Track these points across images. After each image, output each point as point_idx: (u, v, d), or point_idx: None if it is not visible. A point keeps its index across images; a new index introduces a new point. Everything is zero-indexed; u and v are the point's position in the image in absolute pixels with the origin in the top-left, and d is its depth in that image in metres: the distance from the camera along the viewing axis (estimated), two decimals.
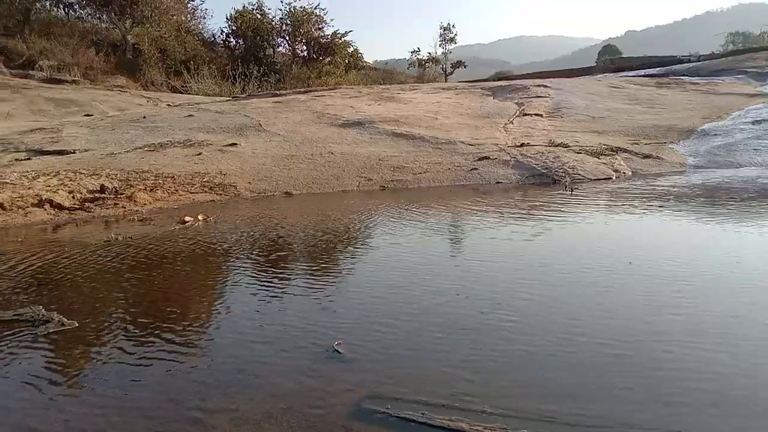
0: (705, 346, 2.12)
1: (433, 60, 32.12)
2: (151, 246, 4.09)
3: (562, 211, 4.72)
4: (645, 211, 4.59)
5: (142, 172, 6.70)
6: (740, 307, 2.48)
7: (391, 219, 4.82)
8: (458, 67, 32.11)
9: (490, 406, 1.75)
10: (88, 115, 12.11)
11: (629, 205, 4.84)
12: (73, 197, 5.70)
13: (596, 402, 1.77)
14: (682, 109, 10.00)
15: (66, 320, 2.59)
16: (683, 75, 13.93)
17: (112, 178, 6.30)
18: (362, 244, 4.12)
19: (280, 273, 3.38)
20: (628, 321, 2.38)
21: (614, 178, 6.35)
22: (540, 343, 2.19)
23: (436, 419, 1.69)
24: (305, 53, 26.58)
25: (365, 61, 29.58)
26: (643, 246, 3.65)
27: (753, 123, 8.45)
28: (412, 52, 32.85)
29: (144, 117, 10.25)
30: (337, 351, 2.18)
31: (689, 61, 16.08)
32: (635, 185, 5.83)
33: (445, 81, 27.08)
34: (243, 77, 21.23)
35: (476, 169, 6.77)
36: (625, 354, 2.07)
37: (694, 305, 2.52)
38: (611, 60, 21.27)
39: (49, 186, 5.88)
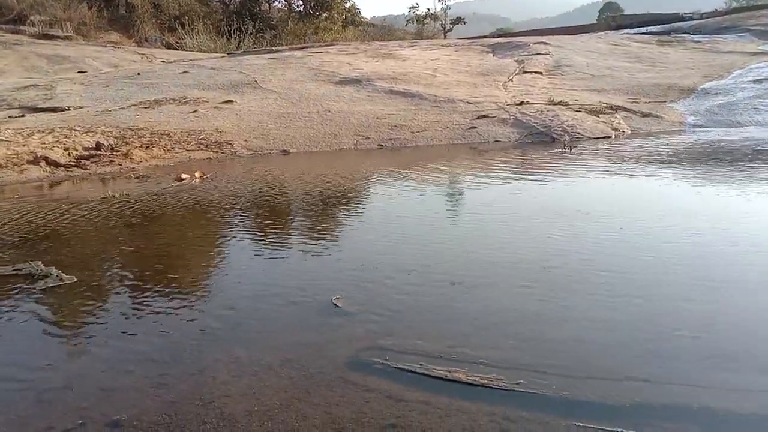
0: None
1: (432, 16, 31.54)
2: (148, 203, 4.08)
3: (559, 171, 4.71)
4: (637, 171, 4.57)
5: (138, 129, 6.64)
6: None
7: (389, 178, 4.80)
8: (457, 24, 31.53)
9: (488, 358, 1.77)
10: (81, 72, 11.94)
11: (623, 164, 4.82)
12: (69, 154, 5.66)
13: (592, 356, 1.79)
14: (684, 67, 9.89)
15: (65, 275, 2.60)
16: (685, 33, 13.72)
17: (107, 136, 6.24)
18: (360, 203, 4.12)
19: (278, 229, 3.38)
20: (617, 279, 2.40)
21: (613, 136, 6.32)
22: (535, 299, 2.21)
23: (434, 370, 1.71)
24: (301, 8, 26.09)
25: (363, 17, 29.07)
26: (625, 208, 3.66)
27: (754, 82, 8.37)
28: (410, 8, 32.22)
29: (138, 74, 10.11)
30: (336, 305, 2.20)
31: (691, 19, 15.81)
32: (633, 144, 5.81)
33: (444, 38, 26.64)
34: (238, 33, 20.86)
35: (475, 127, 6.73)
36: (610, 308, 2.09)
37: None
38: (612, 17, 20.92)
39: (44, 143, 5.84)
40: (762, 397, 1.55)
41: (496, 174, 4.62)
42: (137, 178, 5.02)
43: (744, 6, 22.90)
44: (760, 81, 8.37)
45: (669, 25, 15.19)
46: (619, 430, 1.42)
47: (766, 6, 17.25)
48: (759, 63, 9.61)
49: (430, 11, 31.52)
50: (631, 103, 7.69)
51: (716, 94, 8.00)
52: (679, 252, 2.65)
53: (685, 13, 16.97)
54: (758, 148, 5.16)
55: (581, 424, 1.45)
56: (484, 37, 17.80)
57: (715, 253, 2.64)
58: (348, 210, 3.85)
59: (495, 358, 1.77)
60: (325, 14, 25.55)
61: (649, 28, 15.12)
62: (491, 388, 1.62)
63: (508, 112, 7.12)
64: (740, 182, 4.00)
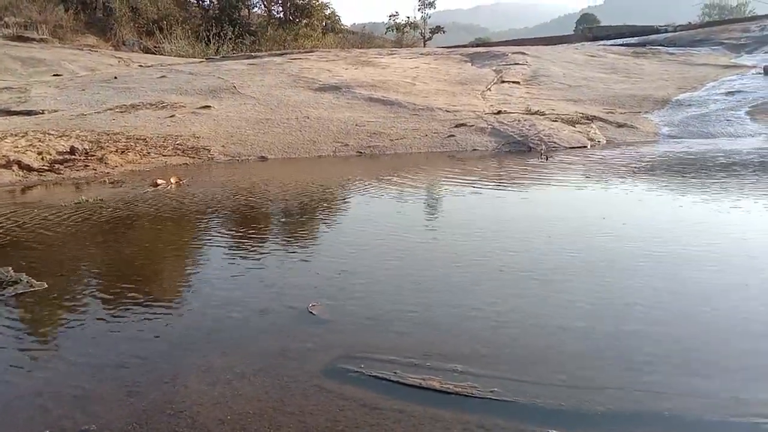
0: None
1: (412, 25, 31.70)
2: (122, 208, 4.03)
3: (534, 180, 4.75)
4: (612, 180, 4.63)
5: (114, 133, 6.57)
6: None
7: (367, 186, 4.80)
8: (437, 33, 31.71)
9: (462, 366, 1.77)
10: (57, 75, 11.78)
11: (597, 174, 4.88)
12: (43, 158, 5.58)
13: (564, 363, 1.80)
14: (658, 79, 10.05)
15: (35, 281, 2.55)
16: (660, 45, 13.96)
17: (82, 140, 6.16)
18: (337, 210, 4.11)
19: (255, 236, 3.36)
20: (595, 287, 2.42)
21: (589, 146, 6.40)
22: (510, 306, 2.22)
23: (409, 378, 1.71)
24: (281, 15, 26.05)
25: (343, 24, 29.11)
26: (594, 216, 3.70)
27: (726, 94, 8.54)
28: (390, 16, 32.34)
29: (115, 77, 10.01)
30: (312, 313, 2.19)
31: (666, 32, 16.09)
32: (608, 154, 5.88)
33: (424, 46, 26.79)
34: (217, 38, 20.77)
35: (453, 136, 6.76)
36: (586, 321, 2.11)
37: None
38: (589, 29, 21.21)
39: (17, 147, 5.74)
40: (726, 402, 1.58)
41: (473, 183, 4.65)
42: (112, 183, 4.96)
43: (717, 20, 23.39)
44: (732, 93, 8.54)
45: (644, 37, 15.45)
46: None
47: (738, 20, 17.65)
48: (731, 76, 9.81)
49: (410, 20, 31.66)
50: (607, 113, 7.79)
51: (690, 105, 8.14)
52: (654, 262, 2.68)
53: (660, 26, 17.27)
54: (728, 160, 5.26)
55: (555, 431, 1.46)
56: (463, 46, 17.93)
57: (675, 257, 2.68)
58: (325, 218, 3.84)
59: (470, 366, 1.77)
60: (305, 21, 25.54)
61: (624, 39, 15.35)
62: (465, 395, 1.62)
63: (486, 121, 7.17)
64: (713, 192, 4.07)
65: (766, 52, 11.75)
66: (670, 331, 2.00)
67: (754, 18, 16.72)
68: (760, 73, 9.56)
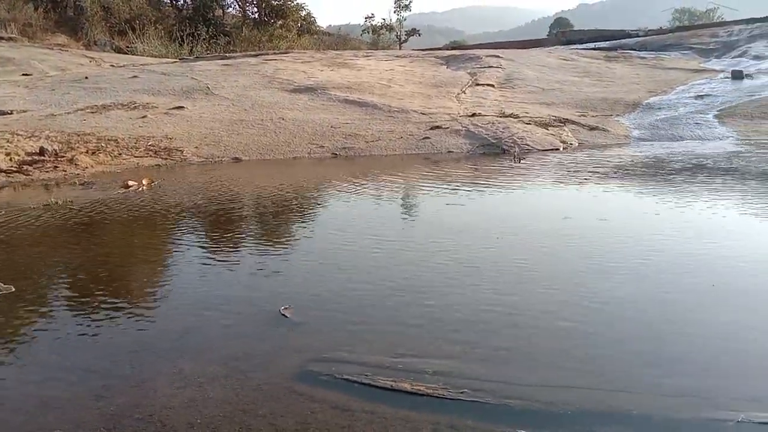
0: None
1: (388, 27, 31.75)
2: (92, 210, 3.97)
3: (505, 182, 4.80)
4: (581, 183, 4.69)
5: (84, 134, 6.47)
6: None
7: (342, 188, 4.80)
8: (413, 35, 31.81)
9: (433, 368, 1.78)
10: (26, 75, 11.55)
11: (568, 176, 4.94)
12: (11, 159, 5.47)
13: (536, 363, 1.82)
14: (630, 82, 10.20)
15: (2, 285, 2.50)
16: (632, 49, 14.16)
17: (52, 141, 6.06)
18: (311, 213, 4.11)
19: (227, 238, 3.34)
20: (558, 289, 2.46)
21: (561, 149, 6.47)
22: (482, 307, 2.24)
23: (380, 380, 1.71)
24: (256, 15, 25.88)
25: (318, 26, 29.02)
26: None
27: (695, 98, 8.70)
28: (366, 18, 32.36)
29: (86, 77, 9.86)
30: (284, 315, 2.18)
31: (638, 36, 16.34)
32: (579, 156, 5.96)
33: (400, 48, 26.84)
34: (191, 39, 20.55)
35: (428, 138, 6.79)
36: (558, 321, 2.14)
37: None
38: (563, 33, 21.45)
39: None
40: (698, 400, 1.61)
41: (447, 185, 4.67)
42: (82, 184, 4.88)
43: (687, 25, 23.82)
44: (701, 97, 8.70)
45: (616, 41, 15.65)
46: None
47: (707, 25, 18.00)
48: (700, 80, 9.99)
49: (386, 22, 31.70)
50: (579, 116, 7.88)
51: (660, 108, 8.28)
52: (624, 263, 2.73)
53: (632, 30, 17.52)
54: (696, 162, 5.36)
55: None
56: (439, 49, 18.01)
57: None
58: (299, 220, 3.83)
59: (441, 367, 1.78)
60: (280, 22, 25.38)
61: (597, 43, 15.54)
62: (436, 397, 1.63)
63: (460, 123, 7.21)
64: (680, 192, 4.15)
65: (733, 57, 11.99)
66: (641, 331, 2.03)
67: (723, 24, 17.06)
68: (727, 78, 9.76)
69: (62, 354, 1.94)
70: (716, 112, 7.82)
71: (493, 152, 6.32)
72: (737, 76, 9.61)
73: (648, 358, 1.84)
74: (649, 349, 1.90)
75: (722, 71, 10.46)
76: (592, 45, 15.39)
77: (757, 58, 11.45)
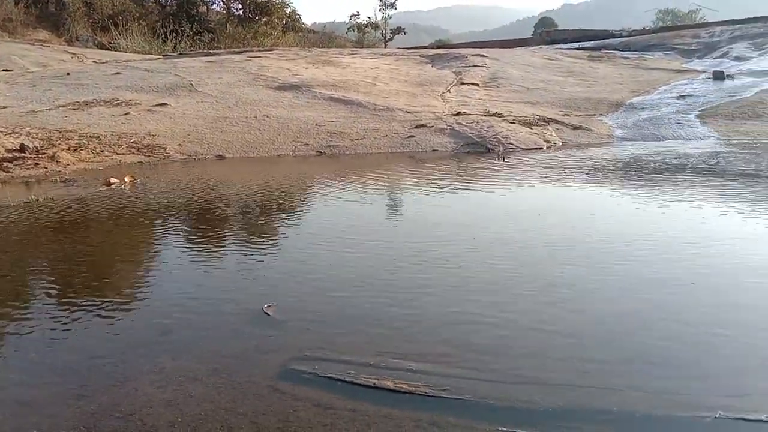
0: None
1: (373, 25, 31.72)
2: (74, 208, 3.93)
3: (491, 180, 4.82)
4: (563, 181, 4.72)
5: (66, 131, 6.40)
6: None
7: (326, 185, 4.79)
8: (398, 34, 31.77)
9: (415, 365, 1.78)
10: (6, 70, 11.39)
11: (551, 175, 4.98)
12: None
13: (518, 361, 1.84)
14: (613, 82, 10.28)
15: None
16: (615, 49, 14.26)
17: (32, 137, 5.98)
18: (295, 211, 4.10)
19: (210, 237, 3.32)
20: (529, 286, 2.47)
21: (545, 148, 6.51)
22: (464, 305, 2.25)
23: (362, 378, 1.71)
24: (241, 12, 25.73)
25: (303, 23, 28.92)
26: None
27: (678, 98, 8.79)
28: (351, 16, 32.29)
29: (68, 74, 9.74)
30: (267, 314, 2.17)
31: (621, 36, 16.46)
32: (562, 156, 6.00)
33: (385, 47, 26.82)
34: (174, 35, 20.38)
35: (413, 136, 6.79)
36: (538, 320, 2.16)
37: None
38: (547, 32, 21.56)
39: None
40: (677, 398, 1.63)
41: (431, 184, 4.68)
42: (63, 182, 4.83)
43: (670, 26, 24.03)
44: (683, 97, 8.79)
45: (600, 41, 15.77)
46: None
47: (689, 26, 18.18)
48: (682, 80, 10.10)
49: (371, 20, 31.67)
50: (563, 115, 7.93)
51: (643, 108, 8.35)
52: (601, 257, 2.75)
53: (616, 30, 17.65)
54: (677, 161, 5.41)
55: (504, 429, 1.48)
56: (424, 47, 18.03)
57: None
58: (282, 218, 3.82)
59: (424, 365, 1.79)
60: (264, 19, 25.25)
61: (581, 43, 15.64)
62: (418, 394, 1.64)
63: (445, 122, 7.23)
64: (663, 192, 4.19)
65: (715, 58, 12.13)
66: (622, 330, 2.05)
67: (704, 25, 17.24)
68: (709, 78, 9.87)
69: (42, 353, 1.92)
70: (698, 112, 7.90)
71: (477, 151, 6.34)
72: (719, 76, 9.72)
73: (629, 356, 1.86)
74: (630, 347, 1.92)
75: (704, 72, 10.57)
76: (576, 45, 15.48)
77: (737, 59, 11.60)
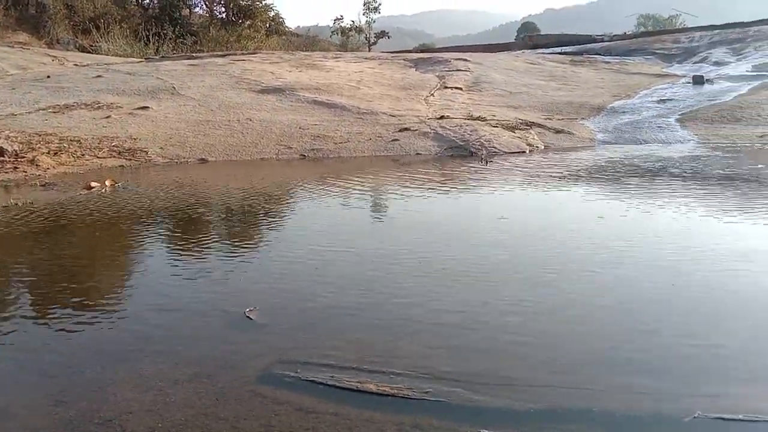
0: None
1: (357, 29, 31.77)
2: (53, 212, 3.89)
3: (472, 185, 4.84)
4: (544, 184, 4.76)
5: (46, 134, 6.33)
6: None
7: (309, 189, 4.78)
8: (382, 38, 31.88)
9: (398, 368, 1.78)
10: None
11: (532, 178, 5.01)
12: None
13: (499, 362, 1.84)
14: (594, 86, 10.38)
15: None
16: (597, 54, 14.40)
17: (12, 141, 5.91)
18: (276, 214, 4.08)
19: (191, 241, 3.30)
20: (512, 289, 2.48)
21: (527, 151, 6.54)
22: (446, 307, 2.25)
23: (345, 381, 1.71)
24: (224, 15, 25.63)
25: (287, 27, 28.87)
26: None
27: (658, 102, 8.89)
28: (335, 20, 32.32)
29: (48, 77, 9.65)
30: (249, 318, 2.16)
31: (603, 41, 16.63)
32: (544, 159, 6.04)
33: (369, 51, 26.88)
34: (157, 38, 20.25)
35: (397, 140, 6.80)
36: (518, 320, 2.17)
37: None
38: (529, 37, 21.71)
39: None
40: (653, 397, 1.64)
41: (415, 188, 4.69)
42: (43, 185, 4.77)
43: (651, 31, 24.31)
44: (663, 101, 8.90)
45: (582, 45, 15.92)
46: None
47: (669, 31, 18.42)
48: (663, 84, 10.22)
49: (355, 24, 31.71)
50: (545, 119, 7.99)
51: (624, 112, 8.43)
52: (582, 262, 2.77)
53: (597, 35, 17.83)
54: (658, 165, 5.47)
55: (487, 430, 1.49)
56: (408, 51, 18.08)
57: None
58: (265, 222, 3.81)
59: (406, 368, 1.78)
60: (248, 22, 25.18)
61: (563, 48, 15.78)
62: (401, 397, 1.64)
63: (429, 125, 7.25)
64: (641, 194, 4.23)
65: (694, 63, 12.30)
66: (599, 330, 2.07)
67: (684, 30, 17.51)
68: (689, 83, 10.00)
69: (19, 359, 1.90)
70: (678, 116, 8.00)
71: (460, 154, 6.36)
72: (698, 81, 9.85)
73: (610, 356, 1.87)
74: (610, 348, 1.93)
75: (684, 76, 10.71)
76: (558, 49, 15.62)
77: (717, 63, 11.77)
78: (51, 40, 19.53)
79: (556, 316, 2.19)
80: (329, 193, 4.52)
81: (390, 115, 7.79)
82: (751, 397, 1.62)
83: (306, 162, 6.10)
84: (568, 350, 1.93)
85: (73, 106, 7.72)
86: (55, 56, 14.84)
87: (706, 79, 9.93)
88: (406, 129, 7.14)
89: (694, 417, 1.52)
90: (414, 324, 2.12)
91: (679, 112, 8.17)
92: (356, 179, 5.06)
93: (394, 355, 1.88)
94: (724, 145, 6.51)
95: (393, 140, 6.78)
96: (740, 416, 1.53)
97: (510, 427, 1.51)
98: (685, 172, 4.99)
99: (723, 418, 1.52)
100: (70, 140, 6.19)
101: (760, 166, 5.19)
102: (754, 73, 10.06)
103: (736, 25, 14.85)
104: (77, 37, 20.62)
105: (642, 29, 30.36)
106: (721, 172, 4.96)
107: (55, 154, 5.74)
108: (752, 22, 15.15)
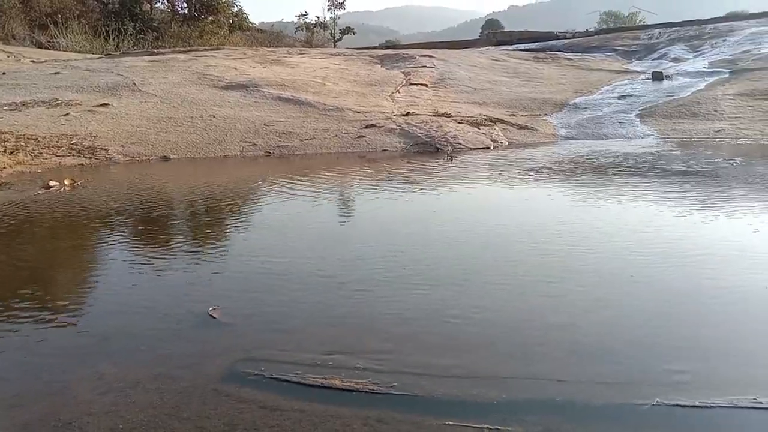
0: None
1: (322, 25, 31.62)
2: (10, 212, 3.78)
3: (437, 181, 4.87)
4: (507, 180, 4.82)
5: (2, 133, 6.14)
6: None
7: (273, 186, 4.75)
8: (347, 34, 31.78)
9: (363, 363, 1.78)
10: None
11: (495, 173, 5.06)
12: None
13: (466, 355, 1.86)
14: (557, 83, 10.52)
15: None
16: (559, 51, 14.58)
17: None
18: (240, 213, 4.04)
19: (153, 240, 3.25)
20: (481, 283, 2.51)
21: (492, 147, 6.61)
22: (411, 302, 2.26)
23: (310, 378, 1.70)
24: (186, 11, 25.26)
25: (251, 23, 28.60)
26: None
27: (619, 98, 9.05)
28: (299, 16, 32.11)
29: (4, 73, 9.37)
30: (212, 317, 2.14)
31: (565, 38, 16.85)
32: (508, 155, 6.10)
33: (334, 47, 26.77)
34: (117, 34, 19.84)
35: (363, 136, 6.80)
36: (482, 314, 2.19)
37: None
38: (493, 33, 21.89)
39: None
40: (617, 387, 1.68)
41: (381, 184, 4.70)
42: None
43: (611, 28, 24.73)
44: (624, 97, 9.06)
45: (544, 42, 16.11)
46: (485, 426, 1.48)
47: (629, 28, 18.74)
48: (623, 80, 10.41)
49: (320, 20, 31.56)
50: (509, 115, 8.07)
51: (585, 108, 8.57)
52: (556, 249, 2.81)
53: (560, 32, 18.05)
54: (618, 160, 5.58)
55: (451, 423, 1.50)
56: (373, 48, 18.07)
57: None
58: (227, 221, 3.76)
59: (372, 362, 1.79)
60: (211, 18, 24.86)
61: (526, 45, 15.95)
62: (366, 392, 1.64)
63: (395, 122, 7.26)
64: (601, 188, 4.31)
65: (654, 59, 12.54)
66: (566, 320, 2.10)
67: (644, 27, 17.81)
68: (648, 79, 10.20)
69: None
70: (638, 112, 8.16)
71: (426, 151, 6.39)
72: (657, 77, 10.06)
73: (573, 347, 1.90)
74: (574, 339, 1.96)
75: (643, 72, 10.92)
76: (521, 46, 15.78)
77: (675, 60, 12.03)
78: (6, 36, 18.97)
79: (524, 307, 2.21)
80: (295, 191, 4.49)
81: (356, 112, 7.78)
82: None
83: (271, 159, 6.05)
84: (534, 341, 1.95)
85: (30, 103, 7.52)
86: (10, 52, 14.42)
87: (665, 75, 10.15)
88: (372, 126, 7.13)
89: (653, 405, 1.56)
90: (380, 320, 2.12)
91: (639, 108, 8.33)
92: (324, 177, 5.05)
93: (360, 351, 1.88)
94: (682, 139, 6.68)
95: (359, 137, 6.77)
96: (698, 402, 1.57)
97: (474, 418, 1.52)
98: (650, 167, 5.09)
99: (681, 405, 1.56)
100: (27, 138, 6.03)
101: (717, 160, 5.33)
102: (711, 70, 10.31)
103: (693, 23, 15.20)
104: (34, 33, 20.08)
105: (604, 26, 30.86)
106: (680, 167, 5.08)
107: (11, 153, 5.58)
108: (709, 19, 15.54)
